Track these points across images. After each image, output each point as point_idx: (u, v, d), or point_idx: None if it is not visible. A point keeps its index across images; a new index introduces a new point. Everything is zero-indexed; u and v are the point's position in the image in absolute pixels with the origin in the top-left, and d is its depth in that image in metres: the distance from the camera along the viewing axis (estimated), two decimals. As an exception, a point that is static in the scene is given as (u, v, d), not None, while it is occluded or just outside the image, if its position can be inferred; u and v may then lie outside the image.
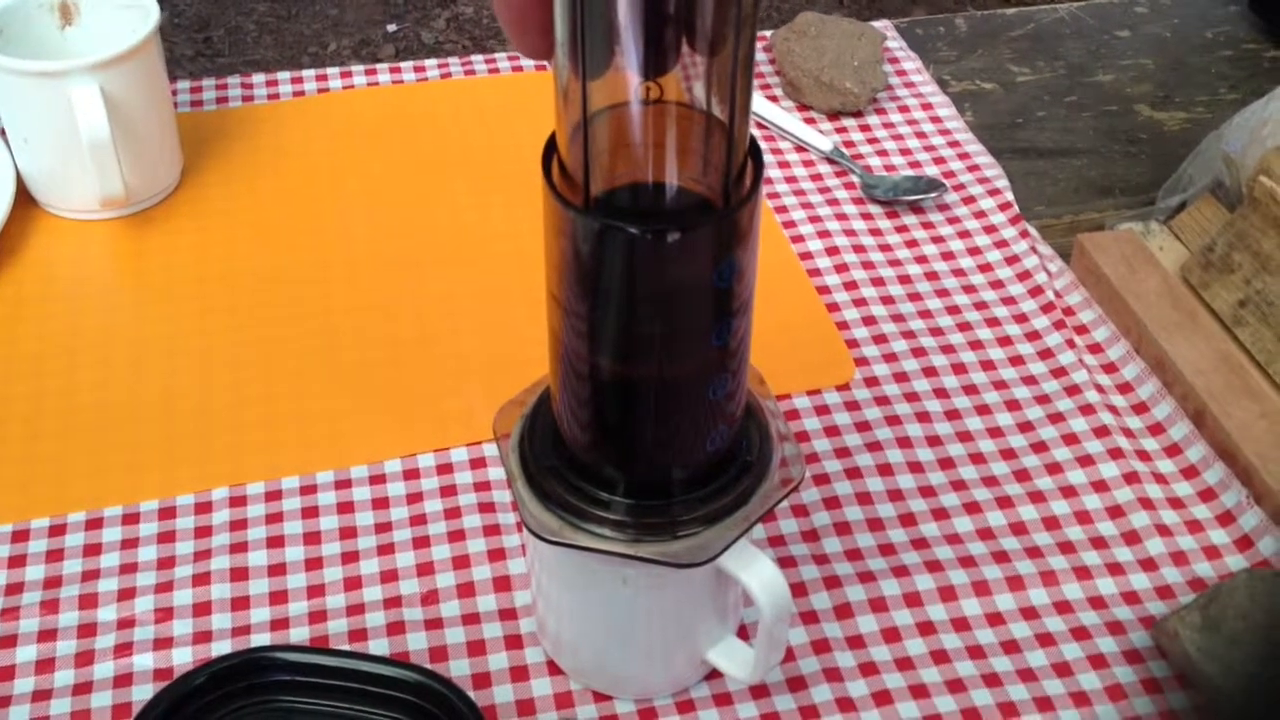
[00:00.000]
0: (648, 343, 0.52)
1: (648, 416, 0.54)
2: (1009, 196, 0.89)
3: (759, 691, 0.63)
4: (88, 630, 0.65)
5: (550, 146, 0.50)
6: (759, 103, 0.96)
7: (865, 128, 0.96)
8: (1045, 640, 0.65)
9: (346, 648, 0.63)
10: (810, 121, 0.96)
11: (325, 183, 0.90)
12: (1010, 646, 0.65)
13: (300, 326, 0.80)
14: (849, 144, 0.94)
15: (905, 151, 0.94)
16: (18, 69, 0.81)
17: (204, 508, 0.71)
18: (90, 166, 0.82)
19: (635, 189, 0.49)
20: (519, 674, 0.64)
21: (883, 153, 0.94)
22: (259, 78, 0.99)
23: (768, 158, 0.93)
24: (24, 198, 0.87)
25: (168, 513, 0.71)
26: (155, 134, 0.86)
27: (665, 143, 0.49)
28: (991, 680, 0.63)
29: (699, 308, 0.51)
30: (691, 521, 0.56)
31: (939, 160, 0.93)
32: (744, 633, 0.65)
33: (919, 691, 0.63)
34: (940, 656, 0.64)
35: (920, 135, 0.95)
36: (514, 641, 0.65)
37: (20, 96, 0.82)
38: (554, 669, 0.64)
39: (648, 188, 0.50)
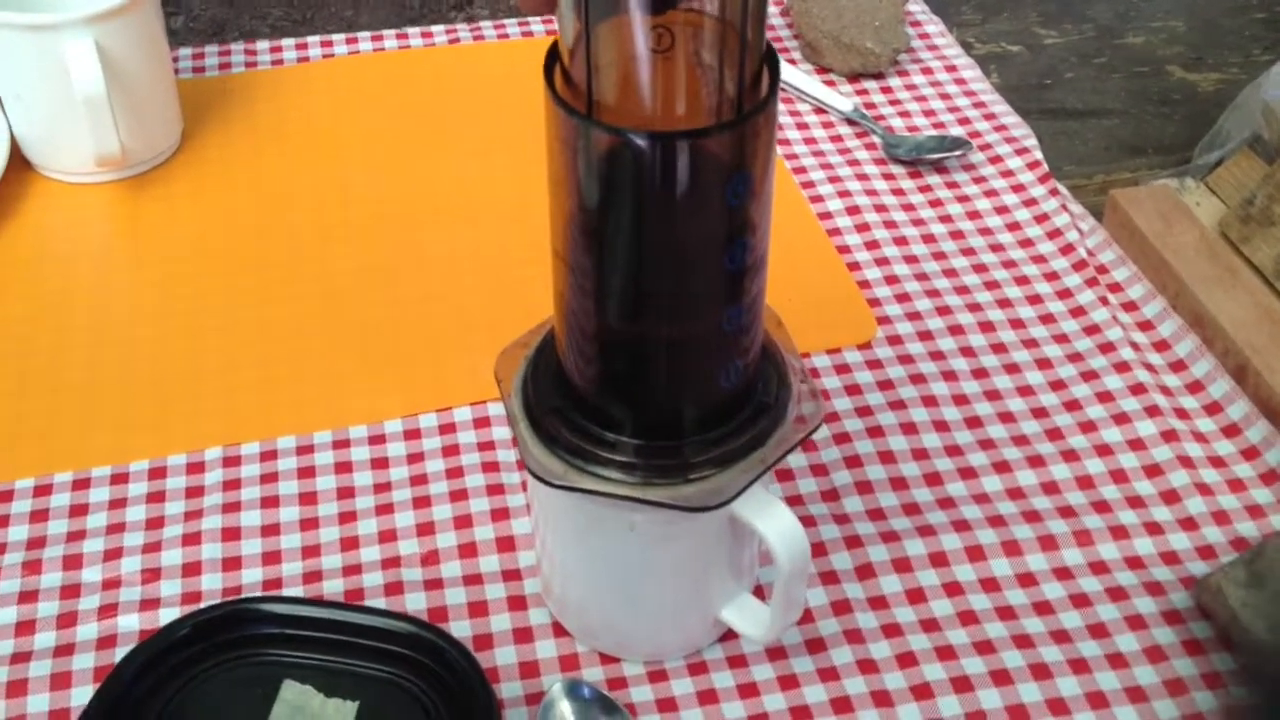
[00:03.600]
0: (657, 266, 0.49)
1: (659, 349, 0.51)
2: (1038, 155, 0.86)
3: (775, 653, 0.59)
4: (71, 591, 0.62)
5: (552, 55, 0.47)
6: (777, 64, 0.93)
7: (887, 89, 0.93)
8: (1080, 601, 0.61)
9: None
10: (830, 84, 0.93)
11: (328, 146, 0.87)
12: (1043, 607, 0.61)
13: (299, 288, 0.77)
14: (870, 106, 0.91)
15: (929, 113, 0.90)
16: (9, 23, 0.78)
17: (196, 468, 0.68)
18: (85, 123, 0.79)
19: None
20: (522, 635, 0.60)
21: (905, 114, 0.90)
22: (263, 44, 0.96)
23: (785, 119, 0.90)
24: (18, 160, 0.85)
25: (158, 473, 0.68)
26: (152, 92, 0.84)
27: (675, 73, 0.46)
28: (1023, 641, 0.60)
29: (711, 226, 0.48)
30: (704, 464, 0.52)
31: (964, 121, 0.90)
32: (760, 594, 0.62)
33: (945, 653, 0.59)
34: (968, 618, 0.61)
35: (944, 96, 0.92)
36: (517, 603, 0.62)
37: (12, 52, 0.80)
38: (559, 630, 0.60)
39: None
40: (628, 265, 0.49)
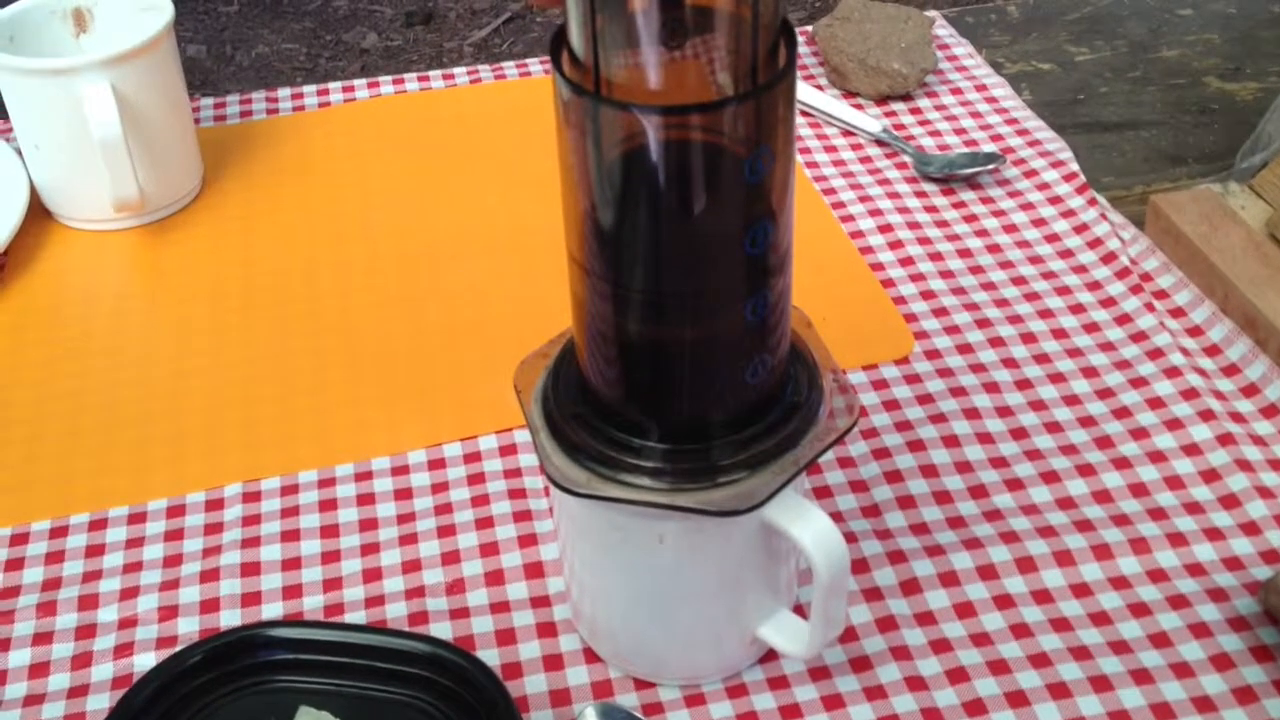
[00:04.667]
0: (675, 254, 0.47)
1: (681, 345, 0.49)
2: (1074, 167, 0.83)
3: (818, 673, 0.56)
4: (86, 632, 0.60)
5: (560, 36, 0.45)
6: (802, 88, 0.91)
7: (916, 110, 0.91)
8: (1139, 610, 0.58)
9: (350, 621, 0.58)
10: (858, 108, 0.91)
11: (350, 185, 0.86)
12: (1099, 618, 0.58)
13: (320, 322, 0.76)
14: (899, 127, 0.89)
15: (960, 131, 0.88)
16: (26, 68, 0.78)
17: (215, 505, 0.66)
18: (102, 167, 0.78)
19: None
20: (553, 663, 0.58)
21: (935, 133, 0.88)
22: (284, 91, 0.96)
23: (812, 143, 0.88)
24: (38, 210, 0.84)
25: (176, 511, 0.66)
26: (171, 136, 0.83)
27: (688, 55, 0.44)
28: (1080, 653, 0.56)
29: (730, 207, 0.46)
30: (733, 467, 0.50)
31: (996, 138, 0.87)
32: (801, 613, 0.59)
33: (998, 667, 0.56)
34: (1021, 630, 0.58)
35: (975, 115, 0.90)
36: (547, 629, 0.59)
37: (30, 98, 0.79)
38: (591, 656, 0.58)
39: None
40: (645, 256, 0.47)
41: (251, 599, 0.61)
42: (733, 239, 0.46)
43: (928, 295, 0.75)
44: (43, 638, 0.60)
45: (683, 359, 0.49)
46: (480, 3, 2.89)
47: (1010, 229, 0.80)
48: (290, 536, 0.64)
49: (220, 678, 0.50)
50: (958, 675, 0.56)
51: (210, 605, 0.61)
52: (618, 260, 0.47)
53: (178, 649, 0.52)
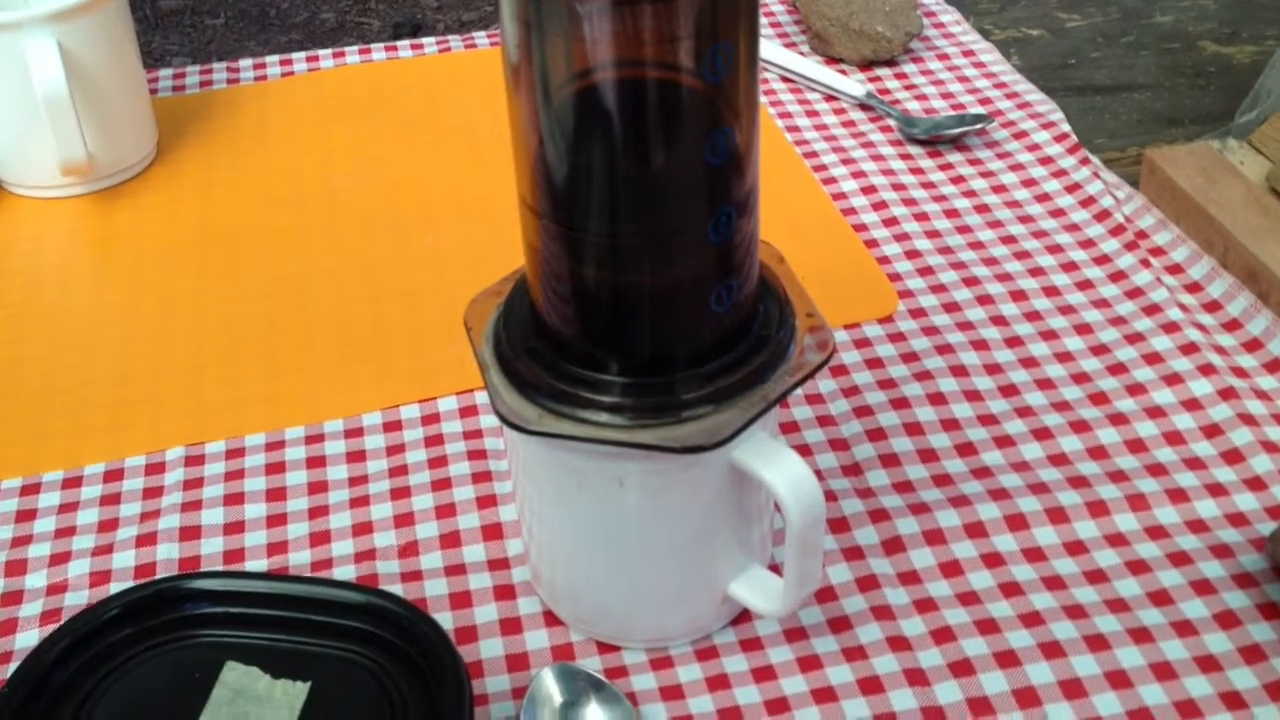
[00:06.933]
0: (632, 162, 0.43)
1: (642, 267, 0.45)
2: (1065, 128, 0.80)
3: (794, 634, 0.53)
4: (12, 598, 0.56)
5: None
6: (783, 54, 0.88)
7: (901, 75, 0.87)
8: (1137, 568, 0.54)
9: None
10: (842, 74, 0.88)
11: (311, 151, 0.83)
12: (1095, 576, 0.54)
13: (275, 286, 0.72)
14: (883, 92, 0.86)
15: (946, 95, 0.85)
16: (-33, 24, 0.74)
17: (156, 469, 0.62)
18: (48, 128, 0.74)
19: None
20: (510, 626, 0.54)
21: (921, 98, 0.85)
22: (246, 62, 0.92)
23: (794, 107, 0.84)
24: (-16, 177, 0.80)
25: (114, 475, 0.62)
26: (121, 97, 0.79)
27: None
28: (1075, 612, 0.53)
29: (690, 112, 0.42)
30: (697, 401, 0.46)
31: (984, 101, 0.84)
32: (775, 572, 0.55)
33: (986, 626, 0.52)
34: (1011, 589, 0.54)
35: (962, 79, 0.86)
36: (505, 592, 0.55)
37: (-27, 58, 0.76)
38: (552, 620, 0.54)
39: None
40: (601, 167, 0.43)
41: (190, 564, 0.57)
42: (692, 146, 0.42)
43: (912, 255, 0.72)
44: (-34, 605, 0.56)
45: (644, 285, 0.46)
46: (469, 14, 2.87)
47: (999, 189, 0.76)
48: (234, 500, 0.60)
49: (139, 633, 0.46)
50: (943, 635, 0.52)
51: (145, 570, 0.57)
52: (571, 178, 0.44)
53: (95, 602, 0.48)
